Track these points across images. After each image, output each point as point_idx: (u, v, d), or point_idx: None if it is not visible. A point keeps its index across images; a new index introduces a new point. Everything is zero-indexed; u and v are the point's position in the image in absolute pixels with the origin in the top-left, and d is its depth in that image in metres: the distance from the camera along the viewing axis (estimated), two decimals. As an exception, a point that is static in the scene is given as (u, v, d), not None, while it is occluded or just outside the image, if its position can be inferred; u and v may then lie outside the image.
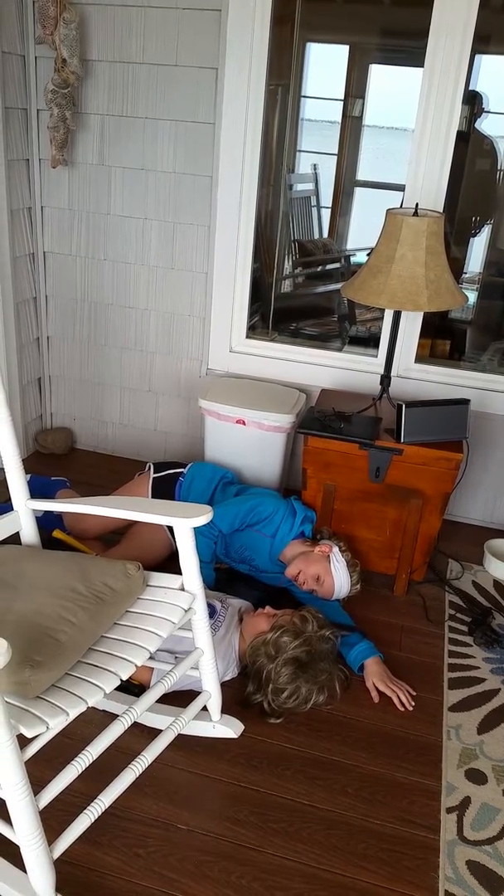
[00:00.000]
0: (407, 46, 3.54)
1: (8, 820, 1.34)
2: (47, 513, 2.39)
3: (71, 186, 2.91)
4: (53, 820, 1.49)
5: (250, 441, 2.75)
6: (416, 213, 2.21)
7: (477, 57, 3.48)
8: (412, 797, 1.80)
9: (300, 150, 4.11)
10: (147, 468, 2.61)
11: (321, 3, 3.54)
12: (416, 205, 2.26)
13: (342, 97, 4.04)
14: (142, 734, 1.84)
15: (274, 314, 3.49)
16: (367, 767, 1.87)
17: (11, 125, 2.73)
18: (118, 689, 1.92)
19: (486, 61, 3.51)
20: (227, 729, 1.91)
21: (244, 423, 2.72)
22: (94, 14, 2.61)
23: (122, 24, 2.61)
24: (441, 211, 2.53)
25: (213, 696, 1.86)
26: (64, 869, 1.53)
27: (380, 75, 4.02)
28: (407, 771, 1.87)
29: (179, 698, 1.88)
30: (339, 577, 2.24)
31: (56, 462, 3.23)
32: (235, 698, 2.00)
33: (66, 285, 3.08)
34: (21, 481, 1.77)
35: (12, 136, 2.74)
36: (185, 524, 1.61)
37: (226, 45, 2.54)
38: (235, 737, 1.91)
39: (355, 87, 4.02)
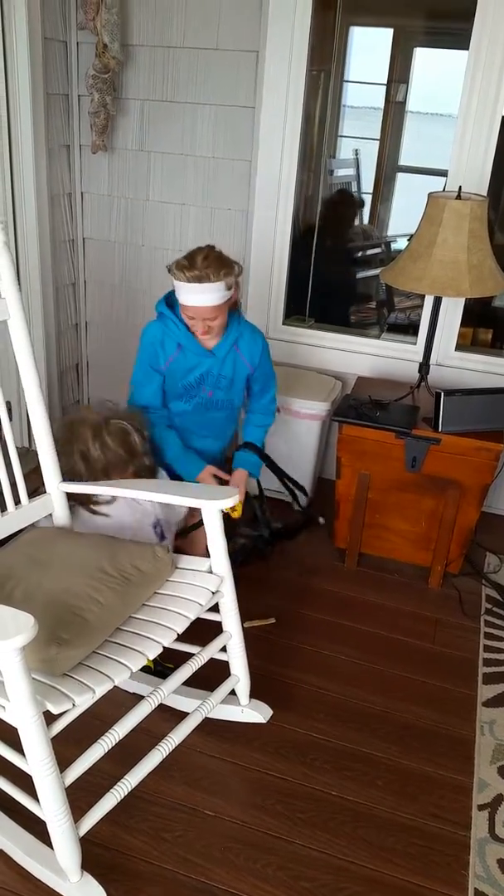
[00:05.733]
0: (453, 28, 3.45)
1: (36, 797, 1.35)
2: None
3: (111, 172, 2.91)
4: (82, 800, 1.49)
5: (284, 428, 2.72)
6: (458, 197, 2.16)
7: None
8: (443, 792, 1.76)
9: (341, 136, 4.05)
10: None
11: (365, -15, 3.48)
12: (460, 188, 2.21)
13: (385, 82, 3.96)
14: (170, 717, 1.83)
15: (311, 301, 3.44)
16: (397, 761, 1.84)
17: (53, 111, 2.74)
18: (150, 672, 1.93)
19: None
20: (255, 714, 1.90)
21: (279, 411, 2.69)
22: (135, -2, 2.61)
23: (162, 8, 2.59)
24: (485, 195, 2.47)
25: (241, 680, 1.85)
26: (91, 850, 1.53)
27: (425, 59, 3.93)
28: (438, 766, 1.83)
29: (207, 684, 1.87)
30: None
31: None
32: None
33: (104, 271, 3.09)
34: (53, 464, 1.78)
35: (53, 122, 2.75)
36: (211, 506, 1.60)
37: (267, 28, 2.51)
38: (264, 721, 1.90)
39: (399, 72, 3.94)
